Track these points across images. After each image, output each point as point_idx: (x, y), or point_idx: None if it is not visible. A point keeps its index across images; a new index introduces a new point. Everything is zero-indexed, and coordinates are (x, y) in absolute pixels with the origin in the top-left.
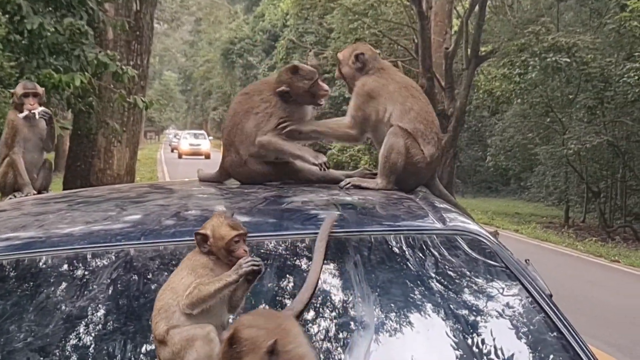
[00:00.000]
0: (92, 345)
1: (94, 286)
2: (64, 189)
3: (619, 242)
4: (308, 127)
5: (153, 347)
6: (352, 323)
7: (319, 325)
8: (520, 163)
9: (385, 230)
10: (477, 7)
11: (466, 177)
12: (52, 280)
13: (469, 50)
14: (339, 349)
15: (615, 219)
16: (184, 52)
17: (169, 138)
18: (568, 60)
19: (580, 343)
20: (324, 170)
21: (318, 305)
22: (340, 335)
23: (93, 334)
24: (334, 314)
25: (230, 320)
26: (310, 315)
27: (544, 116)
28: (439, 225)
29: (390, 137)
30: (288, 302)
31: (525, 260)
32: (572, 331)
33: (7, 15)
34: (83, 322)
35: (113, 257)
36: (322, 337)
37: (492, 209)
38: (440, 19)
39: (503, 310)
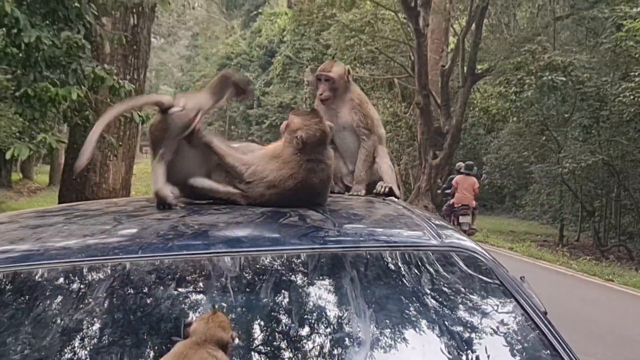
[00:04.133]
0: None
1: (91, 299)
2: (59, 203)
3: (613, 261)
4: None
5: None
6: (347, 339)
7: (315, 341)
8: (515, 181)
9: (381, 246)
10: (473, 26)
11: None
12: (49, 293)
13: (465, 68)
14: None
15: (609, 238)
16: (181, 66)
17: None
18: (564, 79)
19: None
20: None
21: (314, 321)
22: (336, 352)
23: (89, 348)
24: (329, 329)
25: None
26: (305, 331)
27: (539, 135)
28: (434, 241)
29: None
30: (284, 317)
31: (521, 278)
32: (566, 349)
33: (4, 28)
34: (80, 335)
35: (110, 271)
36: (317, 353)
37: (487, 227)
38: (436, 36)
39: (498, 327)
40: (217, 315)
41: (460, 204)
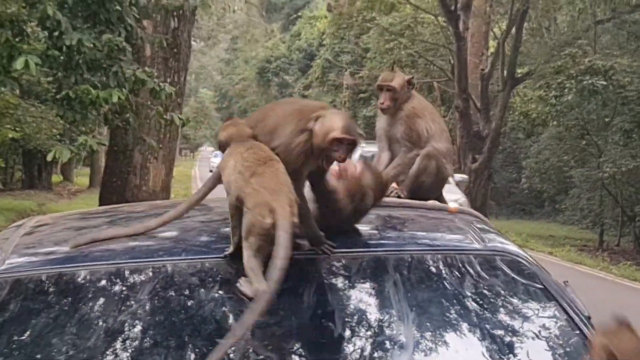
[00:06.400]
0: None
1: (135, 302)
2: (100, 205)
3: None
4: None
5: None
6: (390, 342)
7: (357, 344)
8: (555, 185)
9: (424, 250)
10: (513, 29)
11: (500, 198)
12: (92, 295)
13: (505, 72)
14: None
15: None
16: (220, 70)
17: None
18: (605, 83)
19: None
20: None
21: (356, 324)
22: (379, 355)
23: (132, 350)
24: (372, 333)
25: None
26: (348, 333)
27: (579, 139)
28: (478, 245)
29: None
30: (327, 320)
31: (564, 282)
32: None
33: (46, 31)
34: (122, 337)
35: (154, 273)
36: (359, 355)
37: (526, 231)
38: (476, 40)
39: (541, 331)
40: (232, 119)
41: None
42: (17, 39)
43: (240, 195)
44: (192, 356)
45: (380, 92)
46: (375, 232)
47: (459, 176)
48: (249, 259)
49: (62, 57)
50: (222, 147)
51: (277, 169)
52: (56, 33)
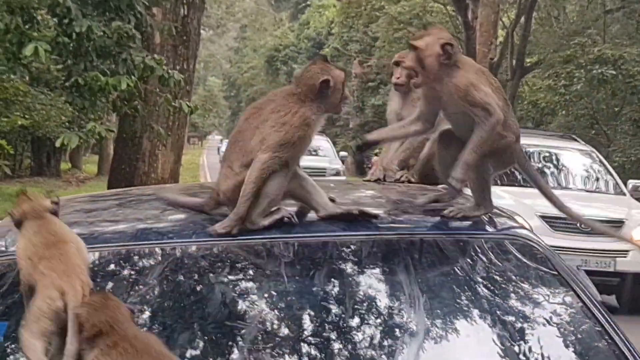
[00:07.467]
0: None
1: (144, 284)
2: None
3: None
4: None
5: (202, 345)
6: (402, 326)
7: (369, 328)
8: None
9: (435, 233)
10: (522, 18)
11: None
12: (101, 277)
13: (514, 61)
14: (386, 354)
15: None
16: (229, 58)
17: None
18: (614, 72)
19: (633, 351)
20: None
21: (368, 308)
22: (391, 338)
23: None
24: (383, 317)
25: None
26: (360, 317)
27: (588, 128)
28: (490, 229)
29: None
30: (338, 304)
31: (577, 267)
32: (624, 339)
33: (56, 18)
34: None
35: (164, 255)
36: (370, 340)
37: None
38: (485, 29)
39: (554, 316)
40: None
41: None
42: (27, 26)
43: (30, 281)
44: (202, 338)
45: (397, 67)
46: (386, 215)
47: (634, 182)
48: (29, 341)
49: (71, 44)
50: (17, 225)
51: (66, 251)
52: (66, 20)
